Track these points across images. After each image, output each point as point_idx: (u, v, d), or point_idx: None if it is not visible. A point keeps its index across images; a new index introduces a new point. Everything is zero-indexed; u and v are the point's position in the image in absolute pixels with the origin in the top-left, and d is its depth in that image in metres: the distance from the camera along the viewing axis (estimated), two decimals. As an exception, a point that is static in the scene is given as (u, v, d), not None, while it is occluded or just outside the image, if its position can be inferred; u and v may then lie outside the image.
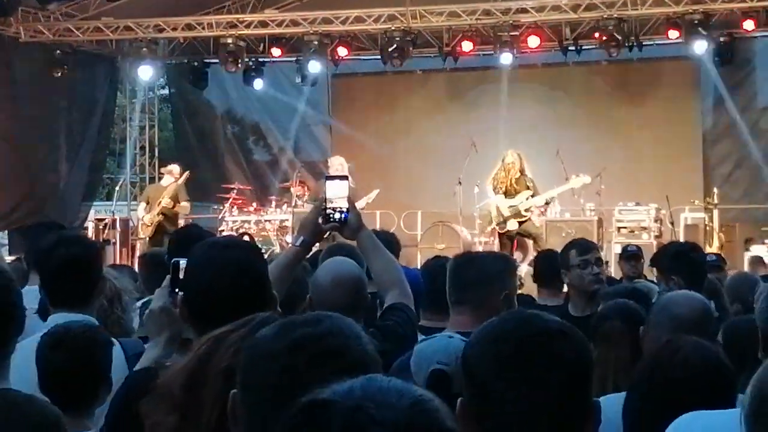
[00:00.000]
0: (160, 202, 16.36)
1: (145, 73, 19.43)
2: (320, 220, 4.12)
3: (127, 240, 18.18)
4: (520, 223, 15.45)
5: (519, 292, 9.44)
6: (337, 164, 16.10)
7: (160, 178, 18.40)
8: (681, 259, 6.06)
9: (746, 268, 11.72)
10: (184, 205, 16.97)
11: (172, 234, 8.19)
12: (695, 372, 2.91)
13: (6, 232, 18.96)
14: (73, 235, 5.41)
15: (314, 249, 5.01)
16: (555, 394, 2.03)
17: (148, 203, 16.72)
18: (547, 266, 7.27)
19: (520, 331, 2.11)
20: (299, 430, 1.40)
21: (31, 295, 4.69)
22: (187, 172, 17.49)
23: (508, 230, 15.43)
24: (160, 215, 16.30)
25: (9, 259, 11.18)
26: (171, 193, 16.54)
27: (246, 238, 15.42)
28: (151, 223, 16.31)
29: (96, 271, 4.26)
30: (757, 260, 12.51)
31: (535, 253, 15.13)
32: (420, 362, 3.42)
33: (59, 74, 19.10)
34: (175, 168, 17.18)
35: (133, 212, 19.14)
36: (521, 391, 2.02)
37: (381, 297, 4.34)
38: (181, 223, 16.34)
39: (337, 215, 4.08)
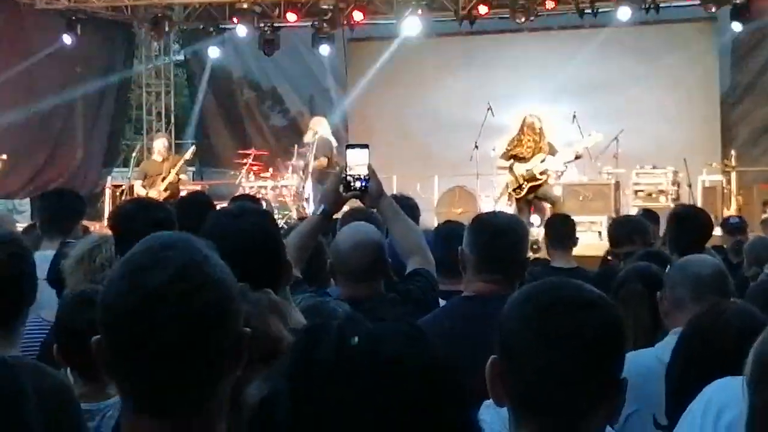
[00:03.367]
0: (164, 178, 16.14)
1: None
2: (341, 189, 4.17)
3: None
4: (535, 187, 15.37)
5: (536, 256, 9.53)
6: (313, 122, 16.17)
7: (179, 147, 18.40)
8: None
9: (759, 230, 11.56)
10: (184, 178, 16.85)
11: (178, 201, 8.10)
12: (738, 339, 2.80)
13: (28, 199, 19.04)
14: (154, 201, 5.44)
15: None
16: (574, 363, 2.02)
17: (145, 179, 16.47)
18: (558, 230, 7.36)
19: (550, 296, 2.10)
20: (309, 345, 1.45)
21: (42, 261, 4.74)
22: (193, 147, 17.45)
23: (524, 195, 15.38)
24: (167, 191, 16.09)
25: (23, 225, 11.24)
26: (177, 168, 16.30)
27: (263, 204, 15.52)
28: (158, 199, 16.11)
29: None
30: None
31: (552, 217, 15.14)
32: None
33: (74, 41, 19.12)
34: (162, 142, 16.86)
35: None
36: (541, 354, 2.02)
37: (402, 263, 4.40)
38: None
39: (357, 183, 4.13)
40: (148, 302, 1.71)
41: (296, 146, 17.59)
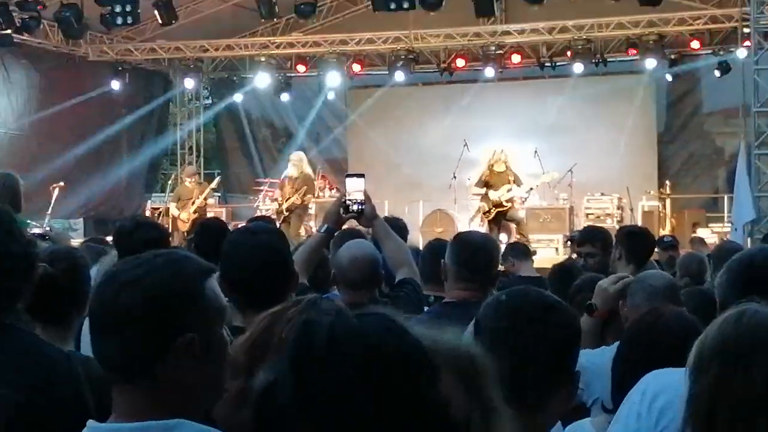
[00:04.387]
0: (194, 202, 16.14)
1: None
2: (341, 211, 4.17)
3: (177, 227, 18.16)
4: (503, 212, 15.43)
5: (503, 268, 9.52)
6: (296, 158, 16.17)
7: (207, 175, 18.41)
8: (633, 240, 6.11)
9: (689, 247, 11.67)
10: (211, 202, 16.94)
11: (197, 225, 8.08)
12: (674, 336, 2.82)
13: (81, 219, 19.02)
14: (151, 221, 5.41)
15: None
16: (537, 359, 2.02)
17: (178, 201, 16.49)
18: (520, 247, 7.45)
19: (519, 300, 2.13)
20: (306, 336, 1.43)
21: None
22: (218, 177, 17.48)
23: (493, 218, 15.42)
24: (196, 213, 16.08)
25: (79, 241, 11.19)
26: (205, 194, 16.35)
27: (277, 224, 15.49)
28: (188, 220, 16.09)
29: None
30: (698, 240, 12.48)
31: (517, 236, 15.26)
32: None
33: (121, 86, 19.19)
34: (193, 171, 17.07)
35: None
36: (511, 348, 2.01)
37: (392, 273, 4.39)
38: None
39: (355, 207, 4.14)
40: (105, 282, 1.92)
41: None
